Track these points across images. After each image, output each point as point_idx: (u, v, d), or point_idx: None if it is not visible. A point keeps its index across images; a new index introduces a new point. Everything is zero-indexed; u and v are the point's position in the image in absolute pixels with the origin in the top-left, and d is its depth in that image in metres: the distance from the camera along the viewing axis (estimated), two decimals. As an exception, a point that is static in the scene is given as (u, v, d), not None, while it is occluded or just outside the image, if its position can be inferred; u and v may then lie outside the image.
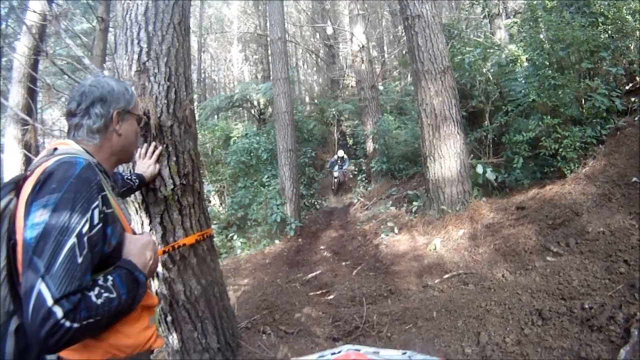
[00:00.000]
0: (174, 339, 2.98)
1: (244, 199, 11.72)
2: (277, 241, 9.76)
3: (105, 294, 1.21)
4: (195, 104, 3.89)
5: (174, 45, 2.87)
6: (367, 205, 11.19)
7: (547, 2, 7.61)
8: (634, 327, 2.75)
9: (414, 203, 8.09)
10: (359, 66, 14.36)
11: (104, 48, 10.37)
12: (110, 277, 1.28)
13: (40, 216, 1.17)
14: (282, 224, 10.17)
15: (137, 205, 2.80)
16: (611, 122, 6.05)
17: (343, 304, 5.00)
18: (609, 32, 6.58)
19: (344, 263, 7.11)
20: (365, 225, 9.05)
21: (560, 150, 5.93)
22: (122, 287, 1.29)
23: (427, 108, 6.85)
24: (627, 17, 6.47)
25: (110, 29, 10.74)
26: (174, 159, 2.80)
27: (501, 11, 14.44)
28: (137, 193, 2.71)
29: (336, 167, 15.46)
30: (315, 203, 14.26)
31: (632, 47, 6.66)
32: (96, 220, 1.26)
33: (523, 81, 7.57)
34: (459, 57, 8.18)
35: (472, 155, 7.37)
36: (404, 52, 18.35)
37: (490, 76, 8.05)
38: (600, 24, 6.55)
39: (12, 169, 8.47)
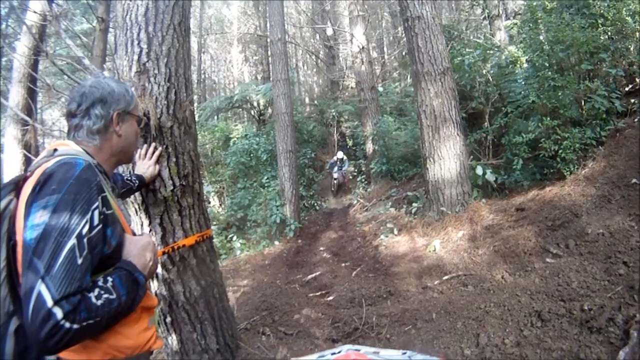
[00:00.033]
0: (173, 340, 2.98)
1: (243, 200, 11.73)
2: (276, 242, 9.76)
3: (105, 295, 1.21)
4: (195, 104, 3.89)
5: (174, 46, 2.87)
6: (367, 207, 11.19)
7: (547, 3, 7.62)
8: (633, 329, 2.75)
9: (414, 204, 8.09)
10: (359, 67, 14.36)
11: (104, 48, 10.38)
12: (110, 278, 1.28)
13: (40, 217, 1.17)
14: (282, 225, 10.17)
15: (136, 206, 2.80)
16: (611, 124, 6.06)
17: (342, 305, 5.00)
18: (609, 33, 6.59)
19: (343, 264, 7.10)
20: (365, 227, 9.05)
21: (560, 151, 5.93)
22: (122, 288, 1.28)
23: (427, 109, 6.85)
24: (626, 18, 6.48)
25: (111, 30, 10.74)
26: (174, 160, 2.80)
27: (501, 12, 14.47)
28: (137, 194, 2.71)
29: (335, 169, 15.46)
30: (315, 204, 14.26)
31: (631, 49, 6.67)
32: (96, 221, 1.26)
33: (523, 82, 7.59)
34: (458, 59, 8.19)
35: (471, 157, 7.38)
36: (403, 53, 18.35)
37: (490, 77, 8.06)
38: (600, 26, 6.55)
39: (12, 169, 8.46)
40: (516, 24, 10.88)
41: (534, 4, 7.81)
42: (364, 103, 14.27)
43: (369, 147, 14.21)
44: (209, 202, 13.12)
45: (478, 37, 14.02)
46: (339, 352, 1.48)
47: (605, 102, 5.98)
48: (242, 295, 5.71)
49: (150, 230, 2.80)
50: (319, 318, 4.49)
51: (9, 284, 1.25)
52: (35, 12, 8.07)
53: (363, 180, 14.78)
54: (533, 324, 3.29)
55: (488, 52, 8.48)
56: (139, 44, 2.74)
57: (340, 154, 15.56)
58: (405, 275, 5.62)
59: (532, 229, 5.07)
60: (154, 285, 2.88)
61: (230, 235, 10.86)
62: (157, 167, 2.67)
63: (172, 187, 2.78)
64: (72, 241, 1.17)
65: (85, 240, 1.20)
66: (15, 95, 8.67)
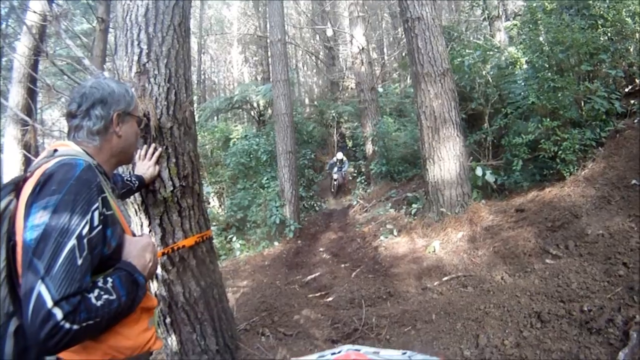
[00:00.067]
0: (172, 341, 2.98)
1: (243, 200, 11.73)
2: (276, 243, 9.76)
3: (105, 296, 1.22)
4: (195, 105, 3.89)
5: (174, 47, 2.87)
6: (366, 207, 11.19)
7: (546, 4, 7.63)
8: (632, 330, 2.75)
9: (413, 205, 8.08)
10: (359, 68, 14.37)
11: (104, 49, 10.38)
12: (109, 279, 1.28)
13: (40, 218, 1.18)
14: (281, 226, 10.17)
15: (136, 207, 2.80)
16: (610, 125, 6.06)
17: (342, 306, 5.00)
18: (609, 34, 6.60)
19: (343, 265, 7.10)
20: (365, 228, 9.05)
21: (560, 152, 5.94)
22: (122, 289, 1.29)
23: (427, 110, 6.85)
24: (626, 19, 6.49)
25: (111, 30, 10.74)
26: (174, 160, 2.80)
27: (501, 13, 14.50)
28: (137, 194, 2.71)
29: (335, 169, 15.44)
30: (315, 205, 14.26)
31: (631, 50, 6.67)
32: (96, 222, 1.27)
33: (522, 83, 7.60)
34: (458, 60, 8.20)
35: (471, 158, 7.38)
36: (403, 54, 18.38)
37: (489, 79, 8.07)
38: (600, 27, 6.56)
39: (12, 170, 8.46)
40: (516, 25, 10.89)
41: (534, 5, 7.82)
42: (363, 104, 14.28)
43: (369, 148, 14.22)
44: (209, 203, 13.13)
45: (478, 38, 14.04)
46: (339, 352, 1.48)
47: (605, 103, 5.99)
48: (242, 296, 5.71)
49: (150, 231, 2.80)
50: (319, 319, 4.49)
51: (8, 284, 1.25)
52: (35, 12, 8.08)
53: (363, 181, 14.78)
54: (533, 325, 3.29)
55: (488, 53, 8.49)
56: (139, 44, 2.74)
57: (339, 155, 15.55)
58: (405, 276, 5.62)
59: (531, 230, 5.07)
60: (153, 286, 2.88)
61: (229, 236, 10.85)
62: (157, 167, 2.67)
63: (172, 188, 2.78)
64: (72, 242, 1.17)
65: (85, 241, 1.20)
66: (15, 96, 8.67)
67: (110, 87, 1.58)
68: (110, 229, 1.35)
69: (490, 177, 6.81)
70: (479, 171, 6.83)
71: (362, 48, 14.17)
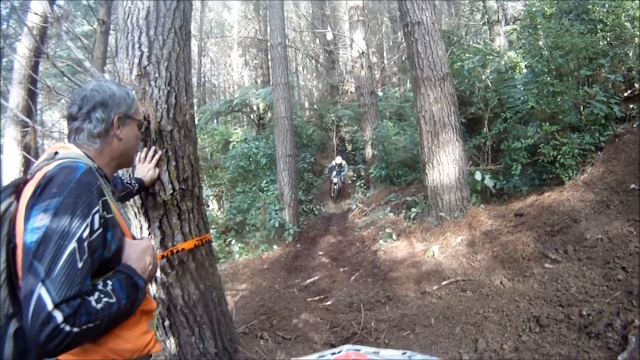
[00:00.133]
0: (171, 344, 2.97)
1: (242, 203, 11.71)
2: (275, 246, 9.75)
3: (105, 299, 1.22)
4: (195, 108, 3.90)
5: (175, 50, 2.87)
6: (366, 211, 11.18)
7: (546, 9, 7.66)
8: (631, 334, 2.75)
9: (413, 209, 8.09)
10: (359, 72, 14.39)
11: (105, 50, 10.38)
12: (109, 282, 1.28)
13: (41, 220, 1.18)
14: (281, 229, 10.16)
15: (136, 210, 2.80)
16: (610, 129, 6.07)
17: (341, 310, 4.99)
18: (608, 39, 6.62)
19: (342, 269, 7.10)
20: (364, 231, 9.04)
21: (559, 157, 5.95)
22: (122, 291, 1.29)
23: (426, 115, 6.87)
24: (625, 24, 6.51)
25: (111, 32, 10.75)
26: (174, 163, 2.81)
27: (500, 18, 14.54)
28: (137, 197, 2.71)
29: (334, 173, 15.42)
30: (314, 208, 14.24)
31: (630, 54, 6.70)
32: (96, 225, 1.27)
33: (522, 88, 7.61)
34: (458, 64, 8.22)
35: (470, 162, 7.38)
36: (403, 58, 18.42)
37: (489, 83, 8.08)
38: (599, 31, 6.59)
39: (12, 171, 8.46)
40: (515, 29, 10.93)
41: (534, 9, 7.85)
42: (363, 108, 14.27)
43: (368, 151, 14.21)
44: (208, 206, 13.11)
45: (477, 43, 14.07)
46: (339, 352, 1.49)
47: (604, 107, 6.00)
48: (241, 299, 5.70)
49: (150, 234, 2.79)
50: (318, 323, 4.48)
51: (8, 286, 1.25)
52: (36, 13, 8.09)
53: (362, 185, 14.75)
54: (531, 329, 3.29)
55: (487, 57, 8.50)
56: (139, 47, 2.75)
57: (338, 159, 15.51)
58: (404, 280, 5.62)
59: (530, 234, 5.08)
60: (152, 289, 2.87)
61: (229, 239, 10.83)
62: (157, 170, 2.68)
63: (171, 191, 2.78)
64: (73, 245, 1.17)
65: (85, 244, 1.20)
66: (16, 97, 8.67)
67: (111, 90, 1.59)
68: (110, 232, 1.36)
69: (489, 182, 6.82)
70: (478, 176, 6.83)
71: (362, 52, 14.19)
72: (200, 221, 3.07)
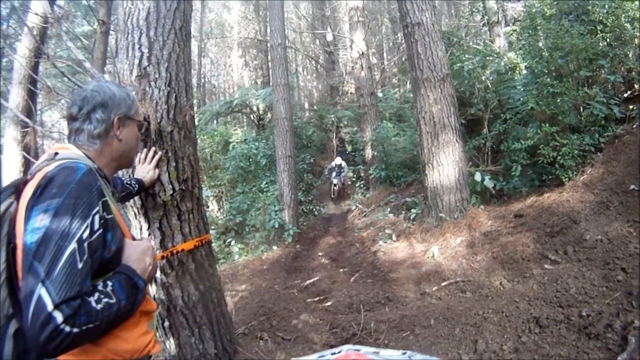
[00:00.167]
0: (171, 345, 2.97)
1: (242, 204, 11.71)
2: (275, 247, 9.75)
3: (105, 300, 1.22)
4: (195, 108, 3.90)
5: (175, 51, 2.88)
6: (365, 212, 11.18)
7: (546, 10, 7.67)
8: (631, 335, 2.75)
9: (412, 210, 8.09)
10: (359, 73, 14.40)
11: (105, 51, 10.37)
12: (109, 283, 1.28)
13: (41, 221, 1.18)
14: (280, 230, 10.16)
15: (136, 210, 2.80)
16: (609, 130, 6.08)
17: (340, 310, 4.99)
18: (608, 40, 6.62)
19: (341, 270, 7.10)
20: (364, 232, 9.05)
21: (559, 158, 5.95)
22: (122, 292, 1.29)
23: (426, 116, 6.87)
24: (625, 25, 6.51)
25: (111, 32, 10.75)
26: (174, 164, 2.81)
27: (500, 19, 14.54)
28: (137, 198, 2.71)
29: (334, 174, 15.41)
30: (314, 209, 14.25)
31: (630, 55, 6.70)
32: (97, 225, 1.27)
33: (522, 89, 7.62)
34: (458, 65, 8.22)
35: (470, 163, 7.39)
36: (403, 59, 18.45)
37: (489, 84, 8.09)
38: (599, 32, 6.59)
39: (11, 171, 8.46)
40: (515, 30, 10.95)
41: (534, 10, 7.86)
42: (363, 109, 14.29)
43: (368, 152, 14.22)
44: (208, 207, 13.11)
45: (477, 44, 14.08)
46: (339, 352, 1.49)
47: (604, 108, 6.01)
48: (240, 300, 5.70)
49: (149, 234, 2.79)
50: (317, 323, 4.48)
51: (8, 286, 1.25)
52: (36, 13, 8.09)
53: (362, 185, 14.76)
54: (531, 330, 3.29)
55: (487, 58, 8.51)
56: (140, 48, 2.75)
57: (338, 160, 15.52)
58: (404, 281, 5.62)
59: (530, 235, 5.07)
60: (152, 290, 2.87)
61: (228, 240, 10.83)
62: (157, 171, 2.68)
63: (171, 192, 2.78)
64: (73, 245, 1.17)
65: (85, 244, 1.21)
66: (16, 97, 8.67)
67: (111, 91, 1.59)
68: (110, 233, 1.36)
69: (489, 183, 6.82)
70: (477, 176, 6.84)
71: (362, 53, 14.20)
72: (200, 222, 3.07)
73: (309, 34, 26.87)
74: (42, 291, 1.10)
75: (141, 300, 1.41)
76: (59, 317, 1.09)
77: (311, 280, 6.58)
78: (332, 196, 15.81)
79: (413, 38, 6.96)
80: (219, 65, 35.67)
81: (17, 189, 1.35)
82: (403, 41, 9.42)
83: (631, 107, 6.34)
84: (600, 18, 6.65)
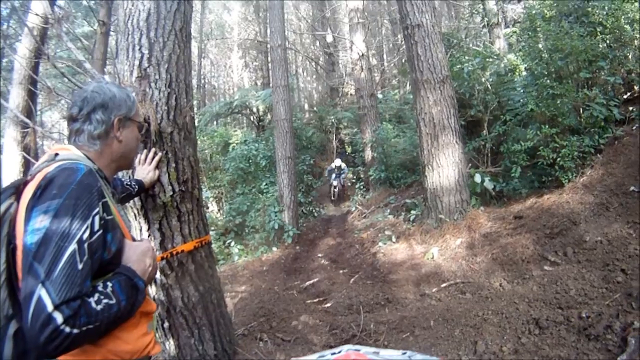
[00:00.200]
0: (171, 345, 2.97)
1: (242, 205, 11.70)
2: (274, 248, 9.74)
3: (105, 300, 1.22)
4: (195, 109, 3.90)
5: (175, 52, 2.88)
6: (365, 214, 11.18)
7: (546, 11, 7.67)
8: (631, 336, 2.75)
9: (412, 212, 8.09)
10: (359, 74, 14.41)
11: (105, 52, 10.38)
12: (109, 284, 1.28)
13: (41, 222, 1.18)
14: (280, 231, 10.15)
15: (136, 211, 2.80)
16: (609, 132, 6.08)
17: (340, 312, 4.99)
18: (608, 41, 6.62)
19: (341, 271, 7.09)
20: (363, 234, 9.04)
21: (558, 159, 5.95)
22: (122, 293, 1.29)
23: (426, 117, 6.87)
24: (625, 26, 6.51)
25: (112, 33, 10.76)
26: (174, 165, 2.81)
27: (500, 20, 14.53)
28: (136, 199, 2.71)
29: (334, 176, 15.41)
30: (313, 211, 14.23)
31: (630, 57, 6.70)
32: (97, 226, 1.27)
33: (521, 90, 7.62)
34: (458, 67, 8.23)
35: (470, 165, 7.39)
36: (403, 60, 18.42)
37: (489, 85, 8.10)
38: (599, 34, 6.59)
39: (11, 171, 8.46)
40: (515, 32, 10.95)
41: (533, 12, 7.86)
42: (363, 110, 14.29)
43: (368, 154, 14.22)
44: (208, 208, 13.09)
45: (477, 45, 14.11)
46: (339, 352, 1.49)
47: (604, 110, 6.00)
48: (240, 301, 5.70)
49: (149, 236, 2.79)
50: (317, 325, 4.48)
51: (8, 287, 1.25)
52: (36, 14, 8.10)
53: (362, 187, 14.76)
54: (531, 331, 3.29)
55: (487, 60, 8.52)
56: (140, 49, 2.76)
57: (338, 162, 15.51)
58: (403, 282, 5.61)
59: (530, 236, 5.07)
60: (152, 291, 2.87)
61: (228, 241, 10.82)
62: (157, 172, 2.68)
63: (171, 193, 2.79)
64: (73, 246, 1.17)
65: (85, 245, 1.21)
66: (16, 97, 8.68)
67: (111, 92, 1.59)
68: (110, 234, 1.36)
69: (488, 184, 6.82)
70: (477, 178, 6.84)
71: (362, 54, 14.21)
72: (199, 223, 3.07)
73: (309, 36, 26.86)
74: (42, 292, 1.10)
75: (141, 301, 1.41)
76: (58, 318, 1.09)
77: (311, 282, 6.57)
78: (332, 198, 15.81)
79: (413, 40, 6.97)
80: (219, 66, 35.70)
81: (17, 189, 1.35)
82: (403, 43, 9.43)
83: (631, 108, 6.34)
84: (600, 20, 6.64)
